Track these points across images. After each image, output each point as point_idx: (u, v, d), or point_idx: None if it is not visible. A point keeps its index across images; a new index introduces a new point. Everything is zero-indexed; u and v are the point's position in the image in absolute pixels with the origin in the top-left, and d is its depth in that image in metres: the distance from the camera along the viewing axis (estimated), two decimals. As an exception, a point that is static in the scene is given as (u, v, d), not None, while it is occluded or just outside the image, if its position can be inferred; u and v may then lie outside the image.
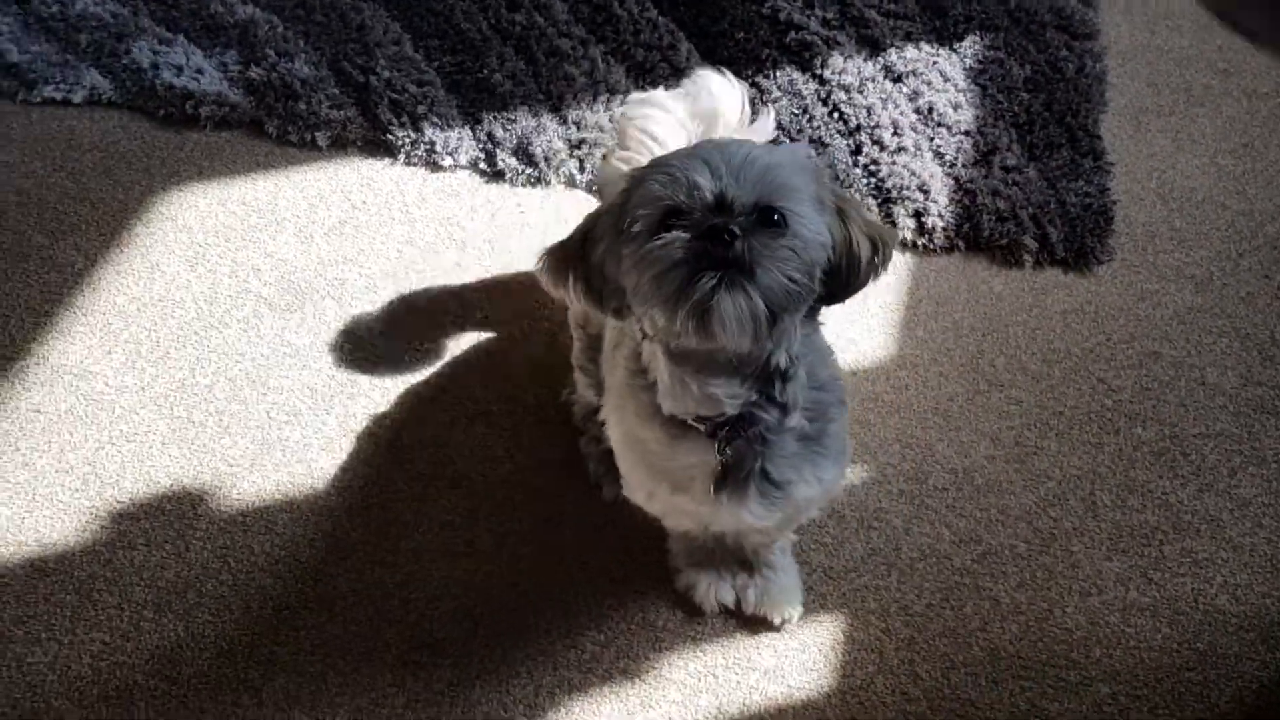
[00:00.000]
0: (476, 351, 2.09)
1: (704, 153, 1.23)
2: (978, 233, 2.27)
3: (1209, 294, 2.19)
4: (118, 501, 1.89)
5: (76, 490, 1.90)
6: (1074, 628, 1.76)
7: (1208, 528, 1.87)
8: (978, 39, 2.64)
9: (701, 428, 1.37)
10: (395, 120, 2.43)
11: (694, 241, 1.18)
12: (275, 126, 2.45)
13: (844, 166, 2.36)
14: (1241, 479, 1.93)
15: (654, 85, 2.49)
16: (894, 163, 2.36)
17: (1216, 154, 2.44)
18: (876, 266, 1.32)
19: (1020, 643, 1.74)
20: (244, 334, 2.10)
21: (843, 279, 1.29)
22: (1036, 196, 2.32)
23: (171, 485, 1.91)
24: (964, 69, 2.57)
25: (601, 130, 2.41)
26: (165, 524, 1.86)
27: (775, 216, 1.20)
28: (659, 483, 1.47)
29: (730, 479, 1.41)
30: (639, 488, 1.53)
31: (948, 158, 2.39)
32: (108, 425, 1.98)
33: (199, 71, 2.52)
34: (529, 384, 2.03)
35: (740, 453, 1.39)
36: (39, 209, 2.30)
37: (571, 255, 1.31)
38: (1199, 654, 1.74)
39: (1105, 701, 1.69)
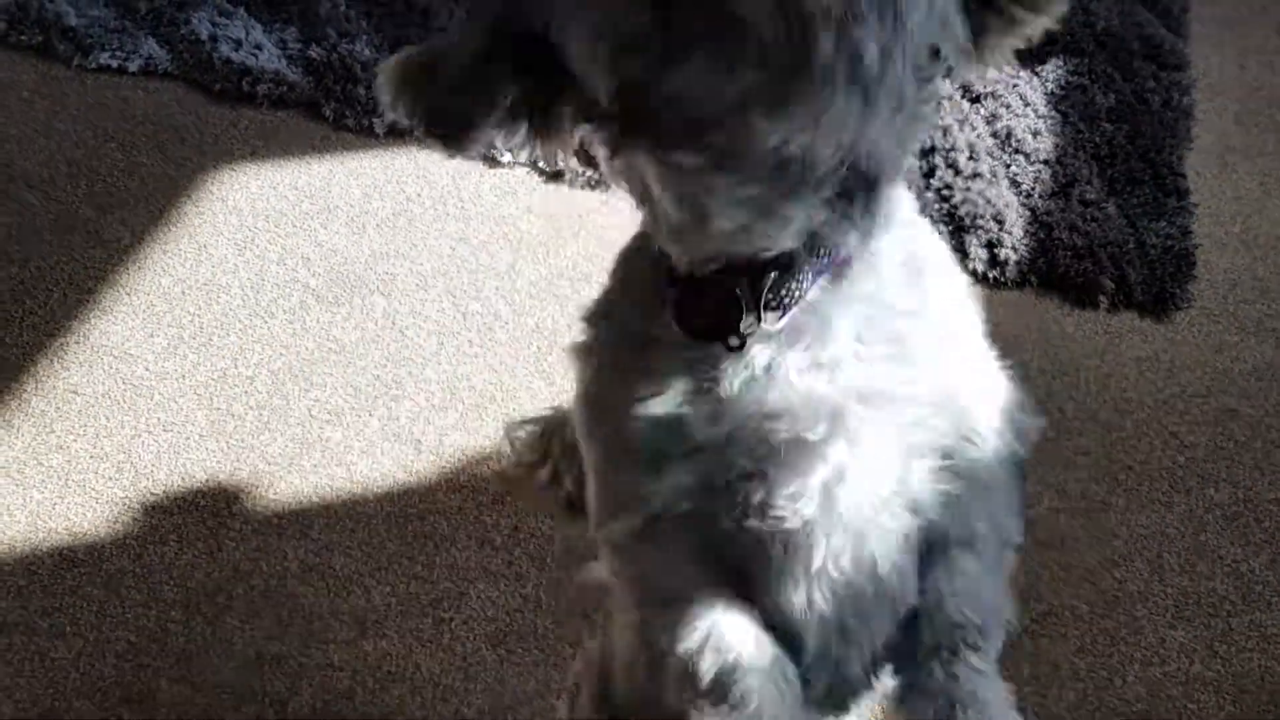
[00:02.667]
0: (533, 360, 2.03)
1: None
2: (1052, 269, 2.18)
3: (1291, 350, 2.10)
4: (151, 493, 1.84)
5: (110, 478, 1.85)
6: (1134, 699, 1.68)
7: (1279, 601, 1.78)
8: (1061, 63, 2.54)
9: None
10: (456, 111, 2.35)
11: None
12: (332, 109, 2.38)
13: (916, 189, 2.27)
14: (1317, 551, 1.85)
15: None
16: (968, 189, 2.27)
17: (1306, 201, 2.34)
18: None
19: (1077, 711, 1.66)
20: (289, 325, 2.05)
21: None
22: (1116, 234, 2.23)
23: (207, 480, 1.85)
24: (1045, 94, 2.47)
25: (667, 135, 2.33)
26: (198, 521, 1.81)
27: None
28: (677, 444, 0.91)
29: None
30: (629, 489, 0.95)
31: (1024, 187, 2.29)
32: (145, 412, 1.93)
33: (258, 47, 2.46)
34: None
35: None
36: (89, 181, 2.25)
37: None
38: (1264, 736, 1.66)
39: (1162, 780, 1.62)
